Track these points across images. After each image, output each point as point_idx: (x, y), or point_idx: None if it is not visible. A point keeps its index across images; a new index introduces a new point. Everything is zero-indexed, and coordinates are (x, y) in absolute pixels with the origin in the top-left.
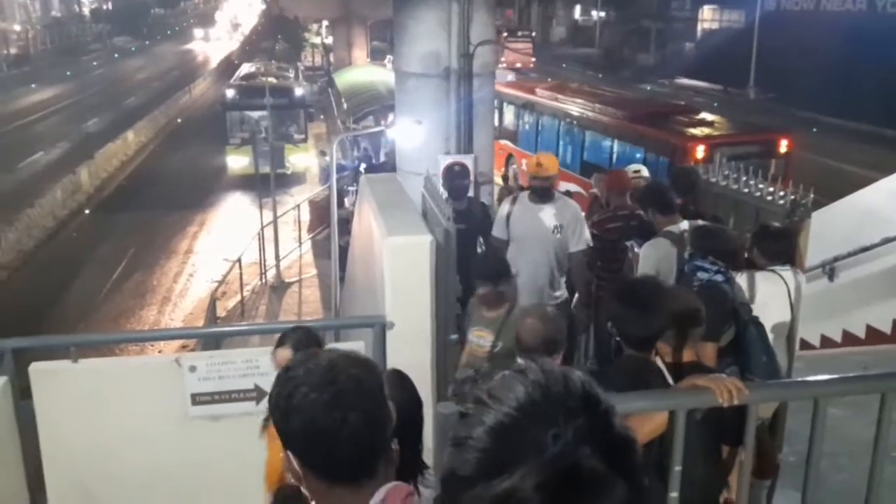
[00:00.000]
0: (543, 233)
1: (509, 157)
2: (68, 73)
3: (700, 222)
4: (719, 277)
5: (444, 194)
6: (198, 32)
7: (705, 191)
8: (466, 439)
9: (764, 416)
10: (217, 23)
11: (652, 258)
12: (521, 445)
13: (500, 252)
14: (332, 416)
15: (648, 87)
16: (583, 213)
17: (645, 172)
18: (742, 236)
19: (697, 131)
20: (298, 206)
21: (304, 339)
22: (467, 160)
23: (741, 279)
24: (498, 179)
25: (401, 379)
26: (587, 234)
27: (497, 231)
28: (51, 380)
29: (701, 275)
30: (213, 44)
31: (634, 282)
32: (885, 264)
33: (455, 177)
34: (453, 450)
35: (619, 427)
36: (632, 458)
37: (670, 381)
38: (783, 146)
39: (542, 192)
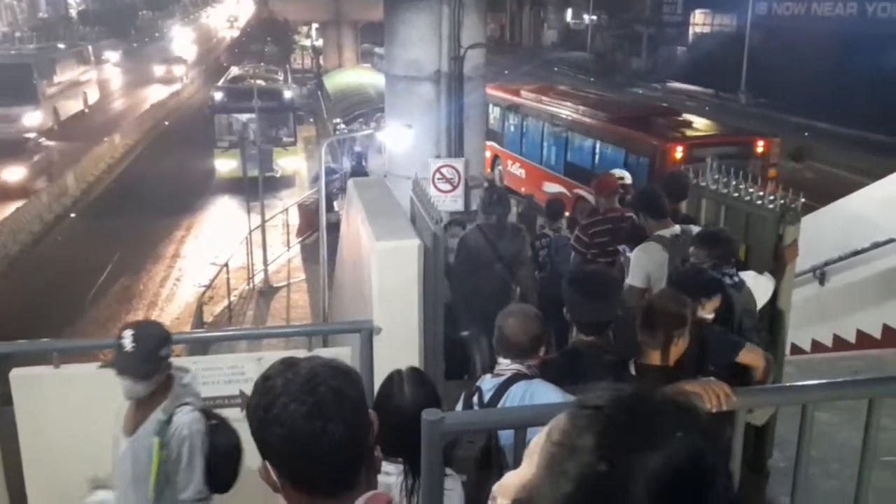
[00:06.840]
0: None
1: (496, 159)
2: None
3: (693, 227)
4: (727, 281)
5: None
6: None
7: (695, 194)
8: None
9: (758, 423)
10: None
11: (643, 262)
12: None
13: None
14: (312, 426)
15: (640, 91)
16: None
17: (628, 178)
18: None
19: (677, 133)
20: (287, 209)
21: None
22: (458, 164)
23: None
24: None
25: (420, 377)
26: None
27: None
28: (32, 386)
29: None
30: None
31: (587, 271)
32: (876, 269)
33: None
34: None
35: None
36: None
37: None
38: (760, 148)
39: None
